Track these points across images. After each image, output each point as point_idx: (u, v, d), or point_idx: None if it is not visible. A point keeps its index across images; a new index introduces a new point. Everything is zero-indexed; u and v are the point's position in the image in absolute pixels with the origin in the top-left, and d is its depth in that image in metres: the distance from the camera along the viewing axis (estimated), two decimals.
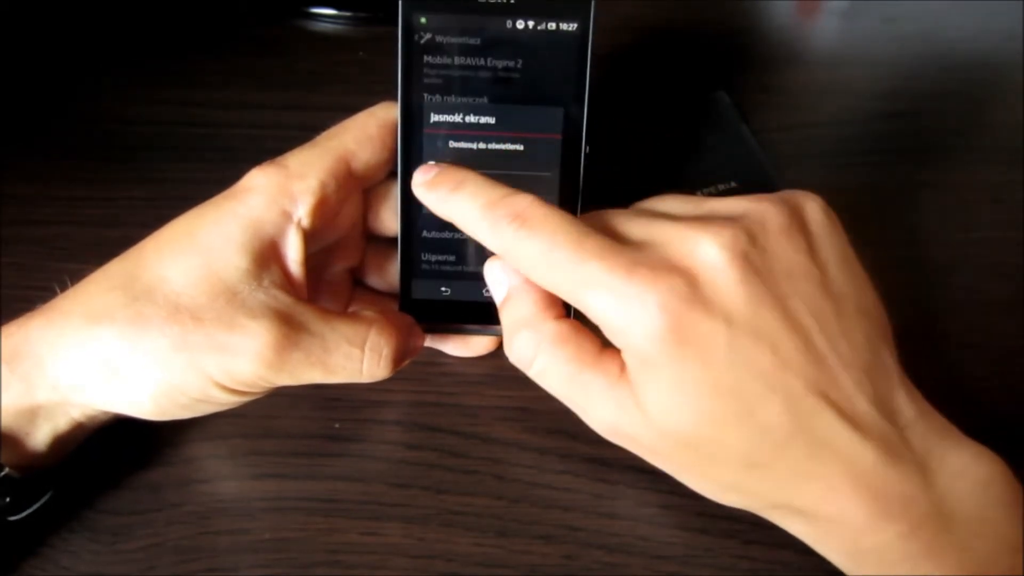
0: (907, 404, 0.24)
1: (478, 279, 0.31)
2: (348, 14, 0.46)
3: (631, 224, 0.26)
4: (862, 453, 0.23)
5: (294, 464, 0.31)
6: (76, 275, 0.27)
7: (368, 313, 0.28)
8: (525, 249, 0.25)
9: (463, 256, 0.31)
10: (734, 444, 0.23)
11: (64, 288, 0.27)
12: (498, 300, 0.27)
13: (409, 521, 0.30)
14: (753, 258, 0.24)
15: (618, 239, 0.25)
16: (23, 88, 0.43)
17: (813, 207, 0.26)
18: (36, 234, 0.37)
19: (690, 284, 0.23)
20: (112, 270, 0.27)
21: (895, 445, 0.23)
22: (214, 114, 0.42)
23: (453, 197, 0.26)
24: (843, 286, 0.25)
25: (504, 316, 0.27)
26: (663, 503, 0.30)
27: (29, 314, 0.27)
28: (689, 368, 0.23)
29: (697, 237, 0.24)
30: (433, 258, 0.30)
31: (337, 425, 0.32)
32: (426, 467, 0.31)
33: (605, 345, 0.25)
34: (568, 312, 0.27)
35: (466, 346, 0.33)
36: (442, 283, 0.31)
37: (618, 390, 0.24)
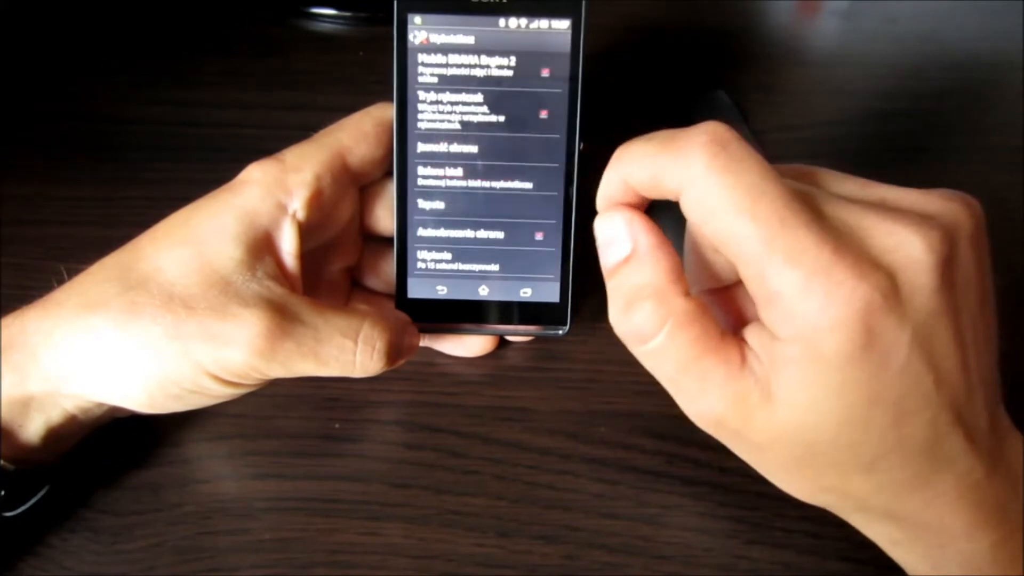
0: (1003, 416, 0.24)
1: (474, 278, 0.31)
2: (348, 14, 0.46)
3: (822, 201, 0.22)
4: (975, 467, 0.22)
5: (294, 464, 0.31)
6: (74, 274, 0.27)
7: (362, 307, 0.28)
8: (722, 186, 0.21)
9: (459, 255, 0.31)
10: (865, 451, 0.22)
11: (62, 282, 0.27)
12: (612, 259, 0.24)
13: (409, 521, 0.30)
14: (951, 264, 0.22)
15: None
16: (23, 88, 0.43)
17: (980, 212, 0.24)
18: (36, 234, 0.37)
19: (892, 284, 0.21)
20: (108, 262, 0.27)
21: (996, 457, 0.23)
22: (214, 114, 0.42)
23: (622, 152, 0.24)
24: (990, 298, 0.24)
25: (621, 278, 0.23)
26: (663, 503, 0.30)
27: (26, 307, 0.27)
28: (862, 375, 0.21)
29: (905, 233, 0.21)
30: (429, 257, 0.31)
31: (337, 425, 0.32)
32: (426, 467, 0.31)
33: (724, 329, 0.23)
34: None
35: (463, 346, 0.33)
36: (438, 282, 0.31)
37: (739, 381, 0.22)
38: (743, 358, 0.22)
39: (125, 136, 0.41)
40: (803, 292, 0.21)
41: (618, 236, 0.24)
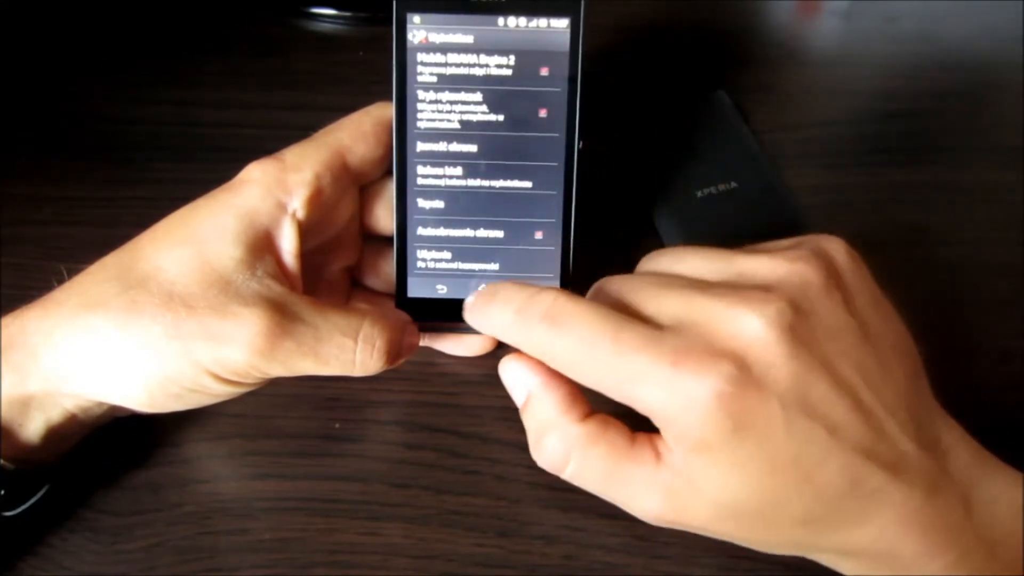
0: (945, 434, 0.25)
1: (474, 277, 0.31)
2: (348, 14, 0.46)
3: (661, 300, 0.25)
4: (910, 496, 0.23)
5: (294, 464, 0.31)
6: (74, 273, 0.27)
7: (362, 306, 0.28)
8: (560, 347, 0.24)
9: (458, 254, 0.31)
10: (792, 509, 0.23)
11: (62, 281, 0.27)
12: (518, 402, 0.27)
13: (409, 521, 0.30)
14: (799, 329, 0.23)
15: (651, 321, 0.25)
16: (23, 88, 0.43)
17: (840, 252, 0.26)
18: (36, 234, 0.37)
19: (740, 367, 0.22)
20: (108, 261, 0.27)
21: (938, 478, 0.23)
22: (214, 114, 0.42)
23: (489, 310, 0.26)
24: (878, 328, 0.25)
25: (527, 419, 0.26)
26: None
27: (26, 306, 0.27)
28: (747, 449, 0.22)
29: (741, 314, 0.23)
30: (428, 256, 0.31)
31: (337, 425, 0.32)
32: (426, 467, 0.31)
33: (633, 431, 0.25)
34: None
35: (462, 345, 0.33)
36: (437, 281, 0.31)
37: (662, 475, 0.24)
38: (658, 454, 0.24)
39: (125, 136, 0.41)
40: (661, 403, 0.23)
41: (516, 381, 0.26)
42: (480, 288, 0.27)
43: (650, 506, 0.24)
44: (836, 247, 0.26)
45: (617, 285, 0.26)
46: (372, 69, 0.43)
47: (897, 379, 0.24)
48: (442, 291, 0.31)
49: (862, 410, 0.23)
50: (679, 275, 0.26)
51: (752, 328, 0.23)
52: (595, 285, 0.27)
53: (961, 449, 0.25)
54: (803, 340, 0.23)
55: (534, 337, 0.25)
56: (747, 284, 0.25)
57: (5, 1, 0.46)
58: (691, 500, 0.24)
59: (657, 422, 0.24)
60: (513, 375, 0.26)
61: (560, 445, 0.25)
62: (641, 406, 0.24)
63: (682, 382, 0.22)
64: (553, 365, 0.25)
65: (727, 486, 0.23)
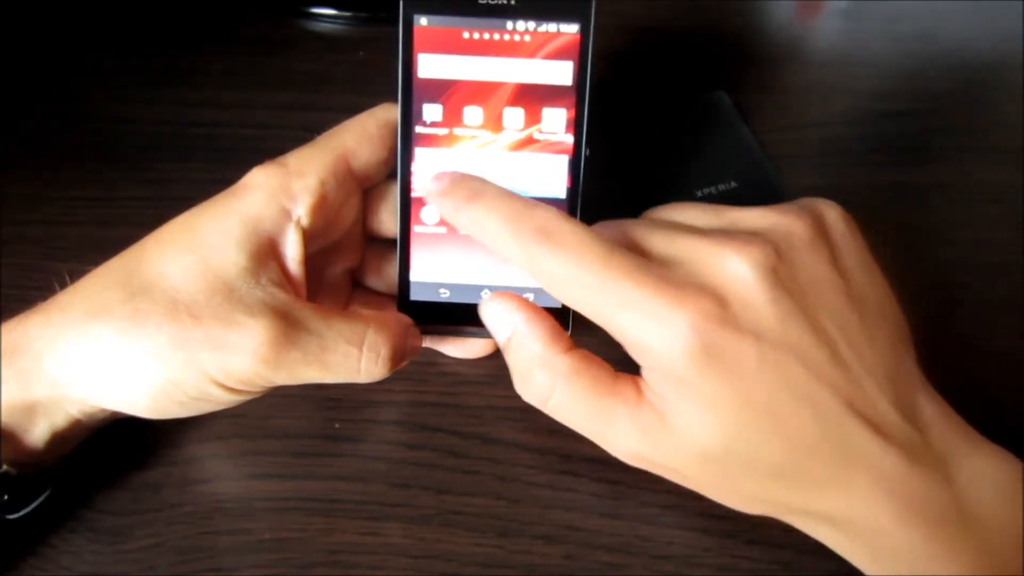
0: (928, 406, 0.25)
1: (477, 282, 0.31)
2: (348, 14, 0.46)
3: (654, 238, 0.26)
4: (885, 458, 0.23)
5: (294, 464, 0.31)
6: (76, 275, 0.27)
7: (366, 312, 0.28)
8: (550, 266, 0.25)
9: (462, 259, 0.31)
10: (764, 456, 0.23)
11: (64, 285, 0.27)
12: (501, 340, 0.27)
13: (409, 521, 0.30)
14: (781, 273, 0.24)
15: (643, 255, 0.25)
16: (23, 88, 0.43)
17: (834, 215, 0.26)
18: (36, 234, 0.37)
19: (720, 303, 0.23)
20: (112, 266, 0.27)
21: (917, 448, 0.23)
22: (214, 114, 0.42)
23: (469, 207, 0.26)
24: (865, 292, 0.25)
25: (511, 356, 0.27)
26: (663, 503, 0.30)
27: (28, 311, 0.27)
28: (720, 386, 0.23)
29: (725, 254, 0.24)
30: (432, 260, 0.30)
31: (337, 425, 0.32)
32: (426, 467, 0.31)
33: (617, 370, 0.25)
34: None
35: (464, 348, 0.33)
36: (440, 285, 0.31)
37: (640, 414, 0.24)
38: (639, 392, 0.25)
39: (126, 136, 0.41)
40: (639, 330, 0.24)
41: (498, 321, 0.27)
42: (444, 172, 0.27)
43: (627, 444, 0.25)
44: (831, 209, 0.26)
45: (614, 224, 0.27)
46: (372, 69, 0.43)
47: (879, 343, 0.24)
48: (445, 295, 0.31)
49: (840, 362, 0.23)
50: (675, 222, 0.27)
51: (735, 268, 0.24)
52: (598, 224, 0.28)
53: (944, 423, 0.25)
54: (784, 285, 0.24)
55: (525, 250, 0.25)
56: (737, 231, 0.25)
57: (5, 1, 0.46)
58: (665, 440, 0.24)
59: (633, 352, 0.24)
60: (496, 313, 0.27)
61: (545, 376, 0.25)
62: (620, 333, 0.24)
63: (662, 311, 0.23)
64: (538, 280, 0.26)
65: (698, 424, 0.23)
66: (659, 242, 0.26)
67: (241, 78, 0.43)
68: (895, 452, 0.23)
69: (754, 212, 0.26)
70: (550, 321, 0.26)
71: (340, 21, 0.46)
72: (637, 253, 0.25)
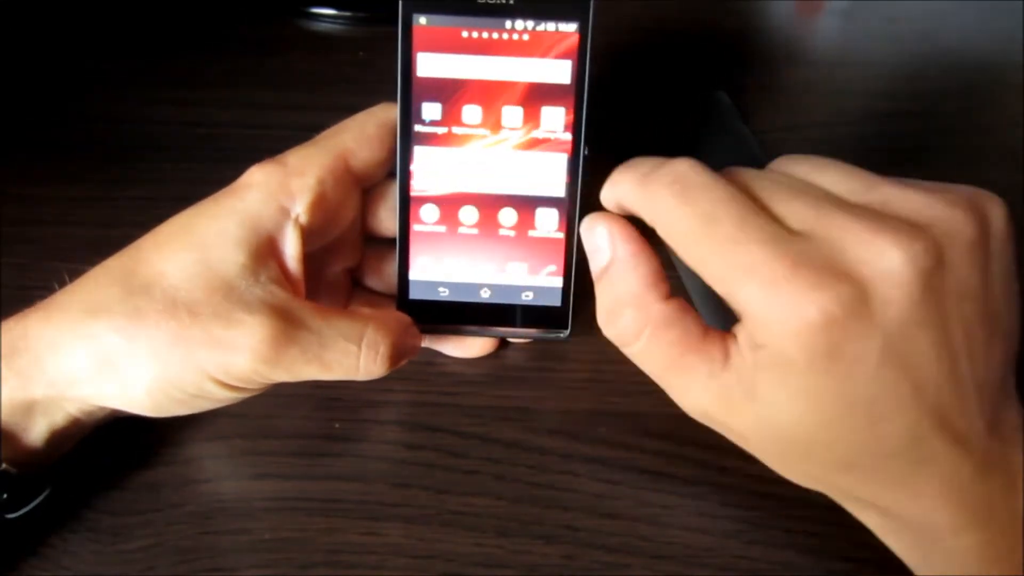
0: (1013, 416, 0.24)
1: (476, 280, 0.31)
2: (348, 14, 0.46)
3: (794, 203, 0.23)
4: (961, 468, 0.22)
5: (294, 464, 0.31)
6: (75, 275, 0.27)
7: (365, 310, 0.28)
8: (681, 218, 0.23)
9: (461, 258, 0.31)
10: (842, 450, 0.23)
11: (63, 284, 0.27)
12: (596, 266, 0.26)
13: (409, 521, 0.30)
14: (936, 278, 0.22)
15: (779, 222, 0.23)
16: (23, 88, 0.43)
17: (999, 216, 0.23)
18: (36, 234, 0.37)
19: (860, 295, 0.21)
20: (111, 265, 0.27)
21: (995, 459, 0.23)
22: (214, 114, 0.42)
23: (619, 178, 0.25)
24: (1000, 306, 0.23)
25: (604, 286, 0.25)
26: (663, 503, 0.30)
27: (28, 309, 0.27)
28: (828, 380, 0.22)
29: (881, 243, 0.21)
30: (431, 259, 0.30)
31: (337, 425, 0.32)
32: (426, 467, 0.31)
33: (707, 327, 0.24)
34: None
35: (463, 347, 0.33)
36: (439, 284, 0.31)
37: (723, 377, 0.23)
38: (727, 355, 0.23)
39: (126, 136, 0.41)
40: (764, 304, 0.22)
41: (600, 245, 0.25)
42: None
43: (700, 401, 0.24)
44: (997, 208, 0.24)
45: (749, 176, 0.25)
46: (372, 69, 0.43)
47: (995, 358, 0.23)
48: (444, 294, 0.31)
49: (955, 378, 0.22)
50: (817, 185, 0.24)
51: (889, 260, 0.21)
52: (727, 169, 0.25)
53: (1022, 433, 0.24)
54: (933, 289, 0.21)
55: (656, 202, 0.24)
56: (891, 214, 0.23)
57: (6, 1, 0.46)
58: (744, 408, 0.23)
59: (748, 323, 0.23)
60: (599, 237, 0.25)
61: (634, 321, 0.24)
62: (739, 302, 0.22)
63: (793, 291, 0.21)
64: (665, 234, 0.24)
65: (789, 410, 0.22)
66: (801, 211, 0.23)
67: (241, 78, 0.43)
68: (971, 463, 0.22)
69: (915, 195, 0.23)
70: (656, 261, 0.25)
71: (340, 21, 0.46)
72: (772, 216, 0.23)
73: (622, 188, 0.25)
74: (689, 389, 0.24)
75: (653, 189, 0.24)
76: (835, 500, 0.25)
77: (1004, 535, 0.23)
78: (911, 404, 0.22)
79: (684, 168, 0.24)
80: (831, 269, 0.21)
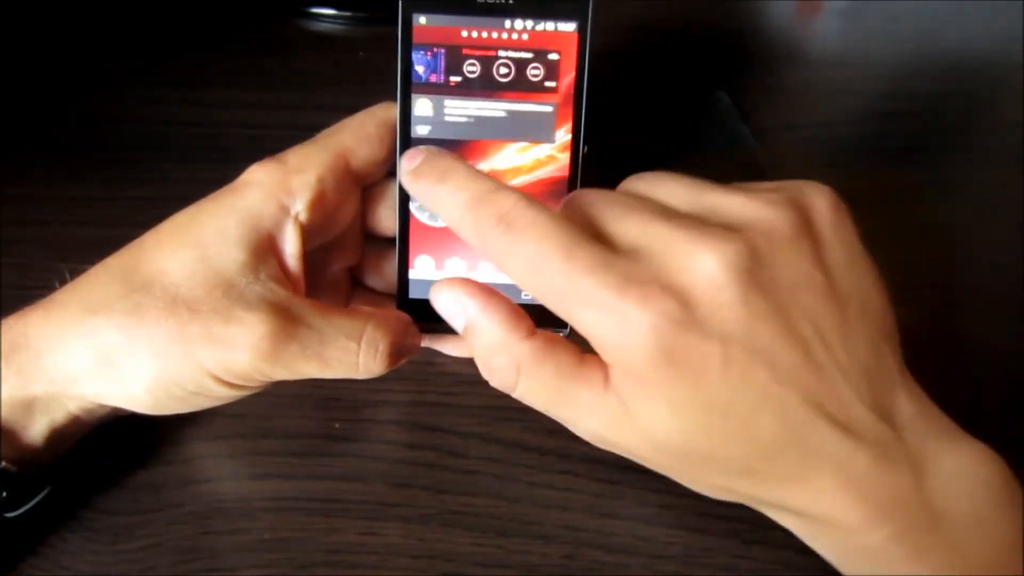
0: (907, 403, 0.24)
1: (476, 279, 0.31)
2: (348, 14, 0.46)
3: (624, 222, 0.25)
4: (854, 457, 0.23)
5: (294, 464, 0.31)
6: (75, 275, 0.27)
7: (365, 309, 0.28)
8: (510, 255, 0.24)
9: (461, 256, 0.31)
10: (726, 455, 0.23)
11: (63, 283, 0.27)
12: (459, 329, 0.26)
13: (409, 521, 0.30)
14: (756, 273, 0.23)
15: (610, 242, 0.24)
16: (23, 88, 0.43)
17: (823, 204, 0.25)
18: (36, 234, 0.37)
19: (684, 305, 0.22)
20: (111, 263, 0.27)
21: (890, 447, 0.23)
22: (214, 114, 0.42)
23: (437, 189, 0.25)
24: (849, 288, 0.24)
25: (472, 344, 0.25)
26: (663, 503, 0.30)
27: (28, 308, 0.27)
28: (681, 388, 0.22)
29: (695, 250, 0.23)
30: (431, 258, 0.30)
31: (337, 425, 0.32)
32: (426, 467, 0.31)
33: (584, 351, 0.25)
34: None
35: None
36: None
37: (605, 400, 0.24)
38: (606, 377, 0.24)
39: (125, 136, 0.41)
40: (601, 328, 0.23)
41: (451, 310, 0.26)
42: (418, 150, 0.26)
43: (592, 427, 0.25)
44: (820, 197, 0.25)
45: (589, 199, 0.26)
46: (372, 69, 0.43)
47: (858, 342, 0.24)
48: None
49: (812, 363, 0.23)
50: (652, 199, 0.26)
51: (705, 266, 0.22)
52: (570, 194, 0.27)
53: (923, 421, 0.24)
54: (758, 286, 0.23)
55: (483, 238, 0.24)
56: (714, 220, 0.24)
57: (6, 1, 0.46)
58: (629, 428, 0.24)
59: (596, 347, 0.24)
60: (447, 303, 0.26)
61: (508, 366, 0.25)
62: (582, 328, 0.23)
63: (623, 311, 0.22)
64: (500, 269, 0.25)
65: (660, 421, 0.23)
66: (631, 228, 0.24)
67: (241, 78, 0.43)
68: (865, 452, 0.23)
69: (736, 199, 0.25)
70: (507, 305, 0.25)
71: (340, 21, 0.46)
72: (605, 240, 0.24)
73: (446, 214, 0.25)
74: (578, 417, 0.25)
75: (480, 229, 0.24)
76: (759, 511, 0.26)
77: (916, 528, 0.23)
78: (776, 397, 0.22)
79: (508, 205, 0.24)
80: (656, 283, 0.22)
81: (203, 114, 0.42)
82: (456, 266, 0.31)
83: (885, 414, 0.24)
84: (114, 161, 0.40)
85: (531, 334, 0.25)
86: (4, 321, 0.26)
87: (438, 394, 0.33)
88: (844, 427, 0.23)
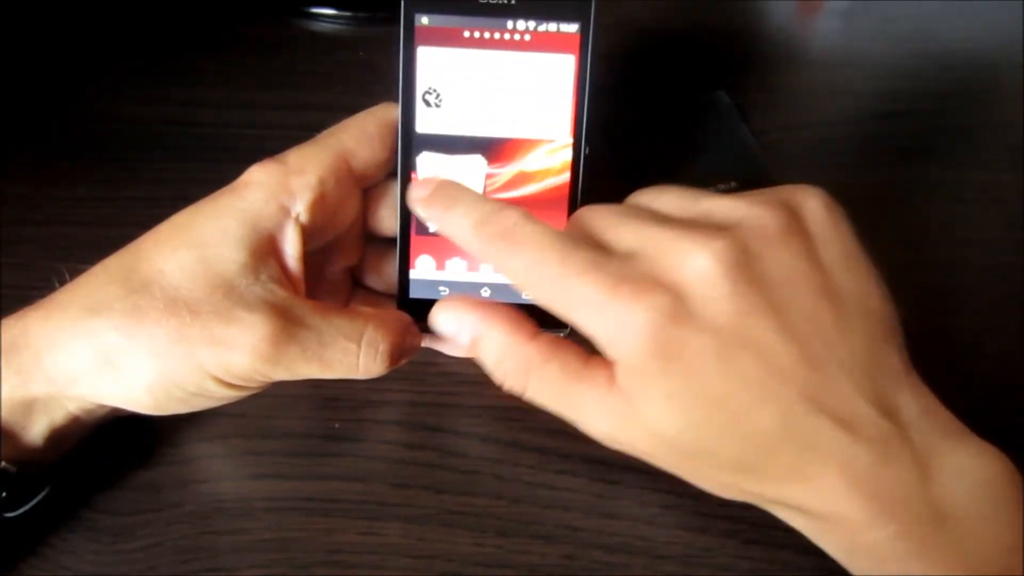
0: (911, 401, 0.24)
1: (476, 280, 0.31)
2: (348, 14, 0.46)
3: (622, 229, 0.25)
4: (856, 454, 0.23)
5: (294, 464, 0.31)
6: (75, 275, 0.27)
7: (366, 309, 0.28)
8: (513, 265, 0.25)
9: (461, 257, 0.31)
10: (725, 450, 0.23)
11: (63, 283, 0.27)
12: (465, 344, 0.27)
13: (409, 521, 0.30)
14: (746, 268, 0.23)
15: (606, 248, 0.25)
16: (23, 88, 0.43)
17: (814, 205, 0.25)
18: (36, 234, 0.37)
19: (675, 299, 0.23)
20: (111, 264, 0.27)
21: (894, 445, 0.23)
22: (214, 114, 0.42)
23: (448, 216, 0.26)
24: (846, 286, 0.24)
25: (481, 356, 0.26)
26: (663, 503, 0.30)
27: (28, 307, 0.27)
28: (677, 381, 0.23)
29: (686, 248, 0.23)
30: (431, 259, 0.30)
31: (337, 425, 0.32)
32: (426, 467, 0.31)
33: (591, 353, 0.25)
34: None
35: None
36: (440, 284, 0.31)
37: (611, 398, 0.24)
38: (612, 377, 0.24)
39: (125, 136, 0.41)
40: (599, 325, 0.24)
41: (454, 329, 0.27)
42: (427, 180, 0.27)
43: (599, 427, 0.25)
44: (810, 198, 0.25)
45: (591, 213, 0.27)
46: (372, 69, 0.43)
47: (856, 339, 0.24)
48: (444, 293, 0.31)
49: (810, 359, 0.23)
50: (650, 209, 0.27)
51: (696, 262, 0.23)
52: (577, 211, 0.28)
53: (928, 419, 0.24)
54: (749, 279, 0.23)
55: (489, 253, 0.26)
56: (708, 222, 0.25)
57: (6, 2, 0.46)
58: (633, 426, 0.24)
59: (598, 346, 0.24)
60: (450, 322, 0.27)
61: (517, 371, 0.25)
62: (583, 329, 0.24)
63: (617, 309, 0.23)
64: (508, 279, 0.26)
65: (660, 416, 0.23)
66: (626, 234, 0.25)
67: (241, 78, 0.43)
68: (867, 448, 0.23)
69: (727, 202, 0.25)
70: (507, 311, 0.26)
71: (340, 21, 0.46)
72: (601, 246, 0.25)
73: (456, 236, 0.26)
74: (586, 417, 0.25)
75: (486, 245, 0.25)
76: (766, 509, 0.26)
77: (922, 526, 0.23)
78: (773, 390, 0.23)
79: (511, 222, 0.25)
80: (649, 280, 0.23)
81: (202, 114, 0.42)
82: (457, 266, 0.31)
83: (888, 411, 0.23)
84: (114, 161, 0.40)
85: (535, 336, 0.26)
86: (4, 321, 0.26)
87: (438, 394, 0.33)
88: (844, 423, 0.23)
